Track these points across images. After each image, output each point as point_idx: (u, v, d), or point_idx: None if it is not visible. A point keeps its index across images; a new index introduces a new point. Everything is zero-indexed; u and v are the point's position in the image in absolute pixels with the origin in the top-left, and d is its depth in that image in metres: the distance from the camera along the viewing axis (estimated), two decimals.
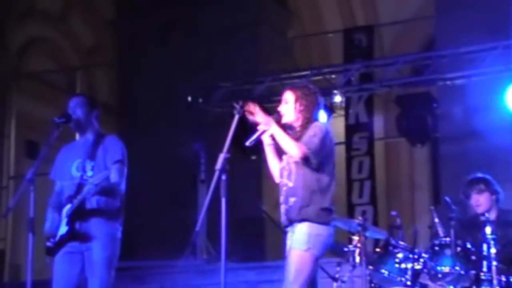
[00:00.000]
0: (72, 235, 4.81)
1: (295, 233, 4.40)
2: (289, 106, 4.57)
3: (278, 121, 4.53)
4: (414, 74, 9.56)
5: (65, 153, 5.01)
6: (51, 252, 4.90)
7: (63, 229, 4.86)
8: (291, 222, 4.43)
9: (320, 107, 4.64)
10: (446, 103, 9.42)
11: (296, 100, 4.56)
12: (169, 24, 11.23)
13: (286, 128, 4.55)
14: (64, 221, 4.86)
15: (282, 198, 4.50)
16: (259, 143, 4.56)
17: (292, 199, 4.41)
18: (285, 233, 4.57)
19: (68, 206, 4.87)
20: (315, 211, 4.39)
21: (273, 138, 4.52)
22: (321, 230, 4.39)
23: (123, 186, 4.91)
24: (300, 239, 4.36)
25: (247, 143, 4.45)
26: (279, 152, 4.56)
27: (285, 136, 4.44)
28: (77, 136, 5.08)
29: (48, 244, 4.89)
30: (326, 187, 4.47)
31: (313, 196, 4.40)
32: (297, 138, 4.47)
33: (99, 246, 4.82)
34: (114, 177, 4.78)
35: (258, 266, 8.65)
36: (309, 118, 4.54)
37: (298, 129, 4.54)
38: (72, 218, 4.82)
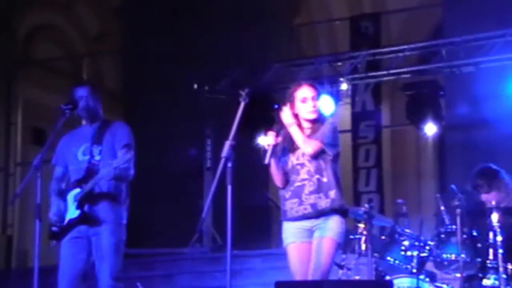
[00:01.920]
0: (83, 218, 4.84)
1: (327, 223, 4.48)
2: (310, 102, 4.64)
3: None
4: (421, 62, 9.52)
5: (69, 139, 5.04)
6: (57, 237, 4.92)
7: (73, 213, 4.88)
8: (321, 215, 4.50)
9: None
10: (453, 91, 9.39)
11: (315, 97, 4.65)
12: (176, 11, 11.21)
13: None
14: (74, 205, 4.88)
15: (303, 193, 4.54)
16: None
17: (331, 192, 4.51)
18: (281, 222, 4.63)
19: (77, 190, 4.89)
20: (344, 204, 4.56)
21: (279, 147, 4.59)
22: (344, 226, 4.56)
23: (132, 171, 4.95)
24: (335, 230, 4.47)
25: (266, 162, 4.53)
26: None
27: (301, 134, 4.56)
28: (83, 122, 5.11)
29: (54, 229, 4.91)
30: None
31: (341, 190, 4.57)
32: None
33: (108, 231, 4.85)
34: (123, 161, 4.80)
35: (263, 253, 8.67)
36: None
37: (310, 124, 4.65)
38: (83, 202, 4.85)
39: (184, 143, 10.44)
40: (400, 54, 9.27)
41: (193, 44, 10.93)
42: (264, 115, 10.11)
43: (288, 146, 4.60)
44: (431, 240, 5.51)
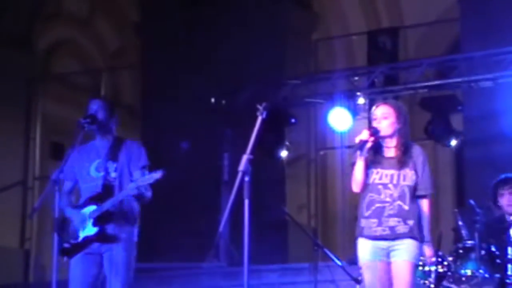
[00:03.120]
0: (101, 236, 4.84)
1: (404, 246, 4.57)
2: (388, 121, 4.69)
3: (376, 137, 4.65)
4: (439, 77, 9.50)
5: (80, 154, 5.02)
6: (69, 253, 4.91)
7: (89, 230, 4.88)
8: (398, 237, 4.58)
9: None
10: (472, 105, 9.35)
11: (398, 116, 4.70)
12: (194, 26, 11.27)
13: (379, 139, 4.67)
14: (90, 222, 4.88)
15: (383, 216, 4.58)
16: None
17: (410, 221, 4.57)
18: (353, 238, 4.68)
19: (93, 207, 4.89)
20: (420, 232, 4.65)
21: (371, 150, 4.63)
22: (420, 248, 4.66)
23: (149, 193, 4.96)
24: (412, 253, 4.58)
25: (357, 155, 4.58)
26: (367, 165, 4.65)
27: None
28: (97, 137, 5.09)
29: (66, 245, 4.89)
30: None
31: (420, 219, 4.64)
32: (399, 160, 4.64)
33: (120, 248, 4.86)
34: (145, 182, 4.83)
35: (280, 268, 8.65)
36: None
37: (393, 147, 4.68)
38: (101, 220, 4.85)
39: (201, 157, 10.46)
40: (418, 69, 9.24)
41: (211, 59, 10.97)
42: (281, 130, 10.15)
43: (371, 161, 4.63)
44: (449, 256, 5.48)
